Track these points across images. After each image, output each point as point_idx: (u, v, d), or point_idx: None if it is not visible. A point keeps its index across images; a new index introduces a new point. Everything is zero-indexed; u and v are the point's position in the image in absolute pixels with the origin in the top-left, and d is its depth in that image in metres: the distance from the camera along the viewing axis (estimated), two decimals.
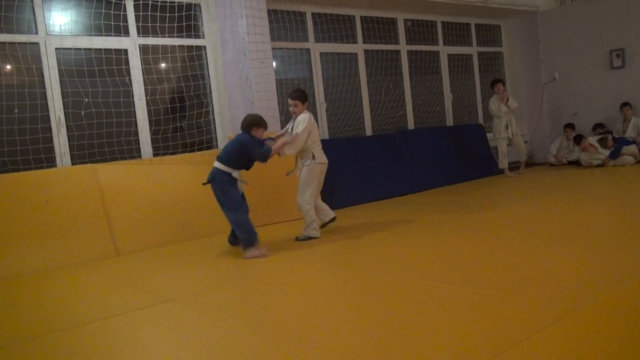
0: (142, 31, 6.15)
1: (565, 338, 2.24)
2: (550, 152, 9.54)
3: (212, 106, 6.75)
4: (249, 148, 4.64)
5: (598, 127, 9.16)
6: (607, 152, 8.42)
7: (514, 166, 9.15)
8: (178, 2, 6.24)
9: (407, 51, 8.95)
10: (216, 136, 6.77)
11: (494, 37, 10.53)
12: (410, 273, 3.62)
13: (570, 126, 9.28)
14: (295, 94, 5.10)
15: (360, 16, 8.29)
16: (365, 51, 8.37)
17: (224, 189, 4.61)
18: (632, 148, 8.32)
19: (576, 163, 9.03)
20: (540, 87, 10.19)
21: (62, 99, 5.65)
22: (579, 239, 4.07)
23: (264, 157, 4.72)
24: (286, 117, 7.17)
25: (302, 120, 4.98)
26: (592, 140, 8.66)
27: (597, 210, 5.24)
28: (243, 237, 4.57)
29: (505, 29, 10.61)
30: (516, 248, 3.97)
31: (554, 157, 9.44)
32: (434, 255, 4.09)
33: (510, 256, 3.76)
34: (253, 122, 4.75)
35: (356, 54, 8.27)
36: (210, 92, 6.72)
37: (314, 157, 5.02)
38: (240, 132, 4.81)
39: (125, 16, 6.01)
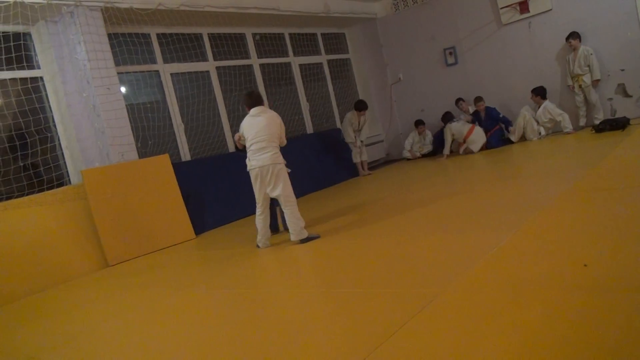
0: None
1: (435, 322, 2.38)
2: (405, 148, 10.17)
3: (59, 140, 6.27)
4: None
5: (447, 115, 9.86)
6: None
7: (373, 165, 9.65)
8: (3, 32, 5.71)
9: (260, 64, 9.04)
10: (67, 171, 6.30)
11: (340, 44, 11.01)
12: (283, 284, 3.65)
13: (420, 122, 9.97)
14: None
15: (208, 34, 8.21)
16: (218, 68, 8.31)
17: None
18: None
19: (430, 155, 9.75)
20: (388, 89, 10.84)
21: None
22: (436, 225, 4.37)
23: None
24: (142, 144, 6.89)
25: None
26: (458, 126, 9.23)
27: (450, 195, 5.67)
28: None
29: (350, 36, 11.15)
30: (381, 244, 4.16)
31: (409, 152, 10.07)
32: (306, 264, 4.16)
33: (376, 253, 3.93)
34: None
35: (208, 71, 8.18)
36: (54, 126, 6.25)
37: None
38: None
39: None
